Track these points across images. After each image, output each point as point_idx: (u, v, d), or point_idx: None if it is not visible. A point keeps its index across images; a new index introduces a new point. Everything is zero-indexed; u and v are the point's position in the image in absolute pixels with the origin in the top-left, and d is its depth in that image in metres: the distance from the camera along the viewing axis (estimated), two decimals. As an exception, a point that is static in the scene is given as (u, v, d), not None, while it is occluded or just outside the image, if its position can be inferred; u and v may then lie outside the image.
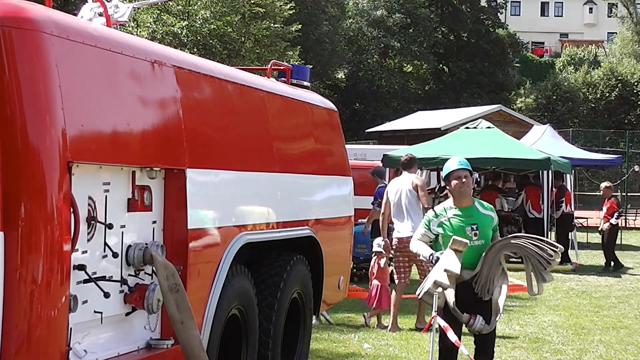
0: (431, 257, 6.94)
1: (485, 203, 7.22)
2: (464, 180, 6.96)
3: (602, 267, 18.67)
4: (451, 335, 8.31)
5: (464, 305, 6.87)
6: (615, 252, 19.08)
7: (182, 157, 5.55)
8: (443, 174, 7.12)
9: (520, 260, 7.26)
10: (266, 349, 6.94)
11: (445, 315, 7.01)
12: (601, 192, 19.74)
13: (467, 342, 9.73)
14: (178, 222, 5.56)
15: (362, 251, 15.36)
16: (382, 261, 11.17)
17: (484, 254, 6.85)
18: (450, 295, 6.82)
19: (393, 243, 11.04)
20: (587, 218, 27.11)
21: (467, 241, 6.78)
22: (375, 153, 24.07)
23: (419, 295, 7.05)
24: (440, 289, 6.83)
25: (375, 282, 11.22)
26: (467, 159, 7.34)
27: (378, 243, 11.33)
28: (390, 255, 11.39)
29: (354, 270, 14.75)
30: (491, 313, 6.99)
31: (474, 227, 6.91)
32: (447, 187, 7.11)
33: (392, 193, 11.11)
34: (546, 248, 6.85)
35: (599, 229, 19.27)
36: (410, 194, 10.87)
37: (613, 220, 18.84)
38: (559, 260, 6.92)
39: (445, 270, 6.68)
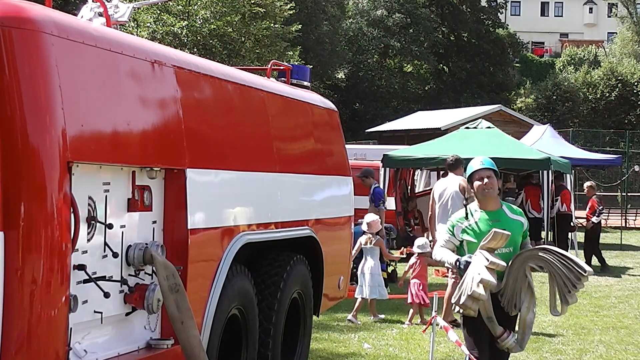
0: (458, 263, 6.35)
1: (514, 207, 6.64)
2: (486, 180, 6.39)
3: (600, 267, 18.67)
4: (452, 335, 8.32)
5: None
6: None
7: (182, 157, 5.55)
8: (467, 174, 6.59)
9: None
10: (266, 349, 6.94)
11: (472, 326, 6.45)
12: (585, 190, 19.75)
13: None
14: (178, 222, 5.56)
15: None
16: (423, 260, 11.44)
17: (509, 264, 6.31)
18: (488, 305, 6.24)
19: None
20: (585, 218, 27.09)
21: (509, 233, 6.20)
22: (375, 153, 24.08)
23: (455, 310, 6.50)
24: (475, 303, 6.18)
25: (414, 280, 11.40)
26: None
27: (419, 244, 11.54)
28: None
29: (354, 270, 14.74)
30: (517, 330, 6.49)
31: None
32: (471, 189, 6.55)
33: (438, 194, 11.25)
34: (575, 270, 6.29)
35: (586, 228, 19.22)
36: (457, 196, 10.96)
37: (595, 219, 18.79)
38: (585, 283, 6.28)
39: (482, 282, 6.07)
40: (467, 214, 6.46)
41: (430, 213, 11.61)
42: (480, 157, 6.64)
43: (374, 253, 11.62)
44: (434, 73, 59.72)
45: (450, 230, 6.51)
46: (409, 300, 11.40)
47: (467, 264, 6.25)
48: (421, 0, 58.02)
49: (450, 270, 10.05)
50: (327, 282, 8.22)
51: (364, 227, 11.79)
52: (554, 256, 6.34)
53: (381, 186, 18.96)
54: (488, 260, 6.12)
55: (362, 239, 11.69)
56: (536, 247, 6.60)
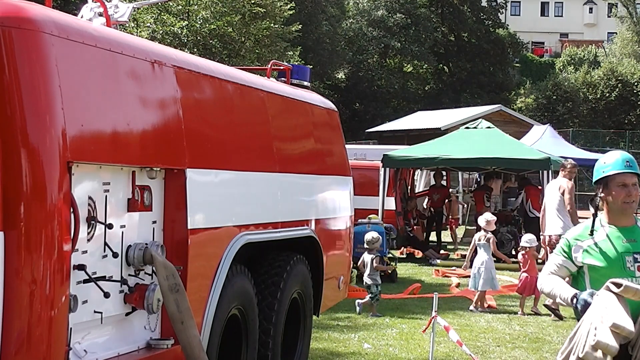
0: (575, 301, 4.63)
1: None
2: (632, 189, 4.81)
3: None
4: (453, 335, 8.32)
5: None
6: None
7: (182, 157, 5.55)
8: (596, 174, 5.10)
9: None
10: (266, 349, 6.94)
11: None
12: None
13: (467, 342, 9.75)
14: (178, 222, 5.56)
15: (362, 251, 15.34)
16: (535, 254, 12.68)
17: None
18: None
19: (542, 240, 12.64)
20: (587, 218, 27.04)
21: None
22: (375, 153, 24.07)
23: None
24: (601, 354, 4.36)
25: (525, 274, 12.41)
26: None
27: (527, 239, 12.55)
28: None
29: (354, 270, 14.75)
30: None
31: (638, 257, 4.74)
32: (599, 196, 5.01)
33: (546, 195, 12.62)
34: None
35: None
36: (560, 198, 12.26)
37: None
38: None
39: (614, 327, 4.35)
40: (592, 229, 4.87)
41: (541, 211, 12.86)
42: (618, 152, 5.10)
43: (488, 248, 12.70)
44: (434, 73, 59.72)
45: (564, 252, 4.91)
46: (517, 291, 12.64)
47: (587, 305, 4.55)
48: (421, 0, 58.03)
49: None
50: (327, 282, 8.22)
51: (482, 224, 13.02)
52: None
53: (381, 186, 19.01)
54: (614, 309, 4.39)
55: (477, 236, 12.98)
56: None
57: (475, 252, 12.93)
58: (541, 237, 12.94)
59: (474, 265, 12.69)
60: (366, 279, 12.06)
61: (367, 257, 12.27)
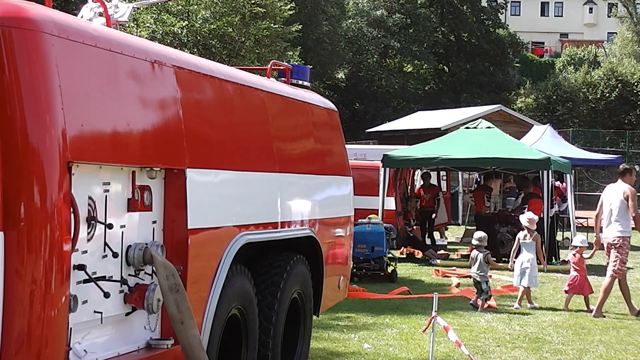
0: None
1: None
2: None
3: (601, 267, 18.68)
4: (452, 335, 8.32)
5: None
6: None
7: (182, 157, 5.55)
8: None
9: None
10: (266, 349, 6.94)
11: None
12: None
13: (467, 342, 9.75)
14: (178, 222, 5.56)
15: (362, 251, 15.37)
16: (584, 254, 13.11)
17: None
18: None
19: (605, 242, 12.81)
20: (587, 218, 27.05)
21: None
22: (375, 153, 24.10)
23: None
24: None
25: (573, 273, 12.88)
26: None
27: (580, 240, 13.26)
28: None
29: (354, 270, 14.76)
30: None
31: None
32: None
33: (605, 199, 12.72)
34: None
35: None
36: (621, 203, 12.41)
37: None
38: None
39: None
40: None
41: (596, 213, 12.97)
42: None
43: (532, 247, 13.16)
44: (434, 73, 59.71)
45: None
46: (566, 289, 13.01)
47: None
48: (421, 0, 58.02)
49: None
50: (327, 282, 8.22)
51: (525, 223, 13.37)
52: None
53: (381, 186, 19.01)
54: None
55: (521, 235, 13.35)
56: None
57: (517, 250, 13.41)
58: (594, 238, 13.34)
59: (518, 263, 13.06)
60: (474, 276, 12.58)
61: (475, 254, 12.72)
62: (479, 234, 13.10)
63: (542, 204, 18.17)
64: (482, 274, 12.50)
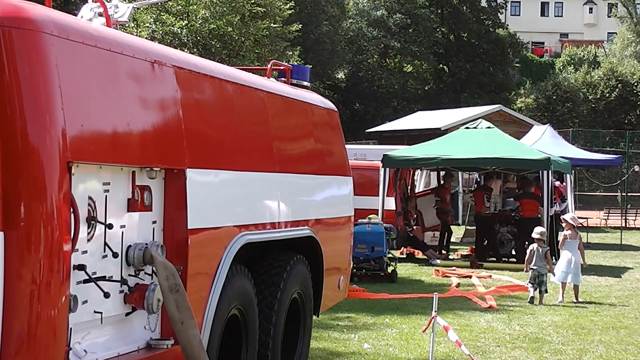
0: None
1: None
2: None
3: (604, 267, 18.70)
4: (452, 335, 8.32)
5: None
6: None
7: (182, 157, 5.54)
8: None
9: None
10: (266, 349, 6.94)
11: None
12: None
13: (467, 342, 9.75)
14: (178, 222, 5.56)
15: (362, 251, 15.37)
16: None
17: None
18: None
19: None
20: (587, 218, 27.08)
21: None
22: (375, 153, 24.09)
23: None
24: None
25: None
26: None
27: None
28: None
29: (354, 270, 14.76)
30: None
31: None
32: None
33: None
34: None
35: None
36: None
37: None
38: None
39: None
40: None
41: None
42: None
43: (576, 245, 13.77)
44: (434, 73, 59.72)
45: None
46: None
47: None
48: (421, 0, 58.02)
49: None
50: (327, 282, 8.22)
51: (570, 221, 13.86)
52: None
53: (381, 186, 19.00)
54: None
55: (565, 234, 13.89)
56: None
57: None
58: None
59: (563, 260, 13.70)
60: (536, 269, 13.27)
61: (534, 247, 13.40)
62: (540, 229, 13.82)
63: (536, 204, 18.19)
64: (544, 266, 13.29)
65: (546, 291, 13.46)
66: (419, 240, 20.04)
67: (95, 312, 4.86)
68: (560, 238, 14.43)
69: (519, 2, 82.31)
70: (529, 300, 13.34)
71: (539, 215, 17.87)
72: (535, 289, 13.35)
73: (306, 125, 8.03)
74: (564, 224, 14.15)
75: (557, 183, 21.06)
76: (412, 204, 20.89)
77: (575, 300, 13.60)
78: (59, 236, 4.40)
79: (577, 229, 14.06)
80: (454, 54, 59.33)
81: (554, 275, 13.61)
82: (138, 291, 5.17)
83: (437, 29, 58.87)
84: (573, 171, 22.24)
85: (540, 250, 13.36)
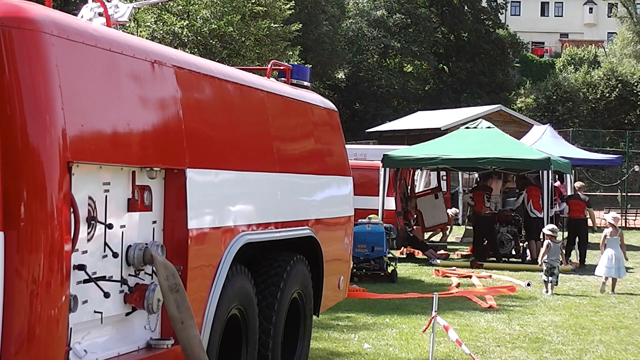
0: None
1: None
2: None
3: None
4: (452, 335, 8.33)
5: None
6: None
7: (182, 157, 5.55)
8: None
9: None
10: (266, 349, 6.94)
11: None
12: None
13: (467, 342, 9.75)
14: (178, 222, 5.56)
15: (362, 251, 15.37)
16: None
17: None
18: None
19: None
20: (587, 218, 26.98)
21: None
22: (375, 153, 24.08)
23: None
24: None
25: None
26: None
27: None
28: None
29: (354, 270, 14.76)
30: None
31: None
32: None
33: None
34: None
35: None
36: None
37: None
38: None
39: None
40: None
41: None
42: None
43: (617, 242, 14.86)
44: (434, 73, 59.73)
45: None
46: None
47: None
48: (421, 0, 58.03)
49: None
50: (327, 282, 8.22)
51: (611, 221, 14.89)
52: None
53: (381, 186, 19.01)
54: None
55: (607, 232, 14.89)
56: None
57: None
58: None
59: (606, 256, 14.76)
60: (550, 262, 14.42)
61: (549, 243, 14.53)
62: (551, 225, 15.06)
63: (583, 205, 18.98)
64: (556, 259, 14.47)
65: (557, 283, 14.51)
66: (419, 240, 20.04)
67: (95, 312, 4.86)
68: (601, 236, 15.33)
69: (519, 2, 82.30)
70: (545, 289, 14.52)
71: (587, 217, 19.06)
72: (548, 280, 14.49)
73: (306, 125, 8.03)
74: (606, 223, 15.07)
75: (557, 183, 21.08)
76: (412, 204, 20.90)
77: (610, 292, 14.76)
78: (59, 236, 4.40)
79: (617, 228, 14.96)
80: (454, 54, 59.35)
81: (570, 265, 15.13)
82: (138, 291, 5.17)
83: (437, 29, 58.89)
84: (573, 171, 22.22)
85: (553, 245, 14.57)
